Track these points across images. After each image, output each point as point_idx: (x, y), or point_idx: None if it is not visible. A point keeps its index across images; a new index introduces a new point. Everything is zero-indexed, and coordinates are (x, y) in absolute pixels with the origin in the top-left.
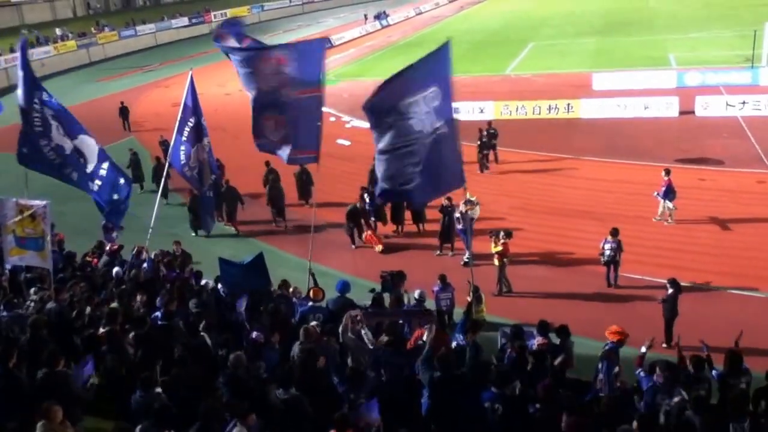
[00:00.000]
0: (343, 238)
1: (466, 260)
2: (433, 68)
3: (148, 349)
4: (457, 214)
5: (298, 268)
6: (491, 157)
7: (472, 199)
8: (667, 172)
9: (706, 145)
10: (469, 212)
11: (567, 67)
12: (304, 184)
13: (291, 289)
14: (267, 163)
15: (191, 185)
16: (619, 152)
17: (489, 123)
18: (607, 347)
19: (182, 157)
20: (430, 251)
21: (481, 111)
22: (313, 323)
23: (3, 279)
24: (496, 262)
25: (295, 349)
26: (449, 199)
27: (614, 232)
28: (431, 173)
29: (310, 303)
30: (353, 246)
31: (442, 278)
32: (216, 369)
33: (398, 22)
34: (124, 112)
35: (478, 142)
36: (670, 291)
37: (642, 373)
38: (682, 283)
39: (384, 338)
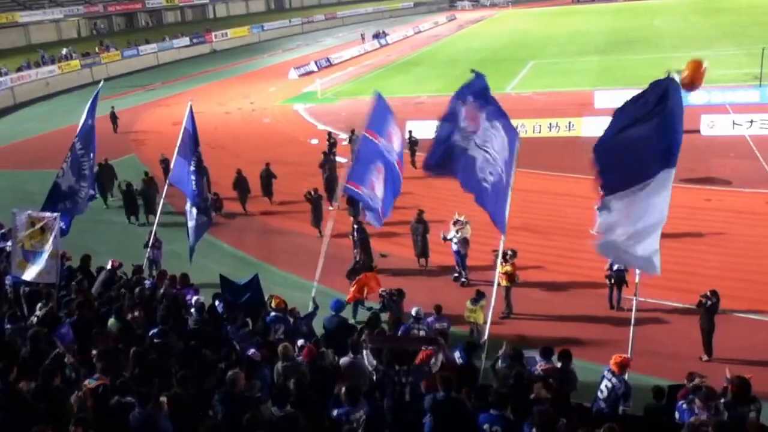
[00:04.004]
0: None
1: (464, 280)
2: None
3: (146, 366)
4: (447, 235)
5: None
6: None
7: (461, 218)
8: None
9: (712, 164)
10: (461, 232)
11: (569, 85)
12: (266, 182)
13: (290, 308)
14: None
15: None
16: None
17: (409, 132)
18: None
19: (194, 187)
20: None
21: None
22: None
23: (8, 292)
24: (504, 282)
25: (278, 367)
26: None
27: None
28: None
29: (273, 312)
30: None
31: (438, 309)
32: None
33: (397, 41)
34: (113, 117)
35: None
36: (710, 302)
37: (684, 406)
38: (688, 306)
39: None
